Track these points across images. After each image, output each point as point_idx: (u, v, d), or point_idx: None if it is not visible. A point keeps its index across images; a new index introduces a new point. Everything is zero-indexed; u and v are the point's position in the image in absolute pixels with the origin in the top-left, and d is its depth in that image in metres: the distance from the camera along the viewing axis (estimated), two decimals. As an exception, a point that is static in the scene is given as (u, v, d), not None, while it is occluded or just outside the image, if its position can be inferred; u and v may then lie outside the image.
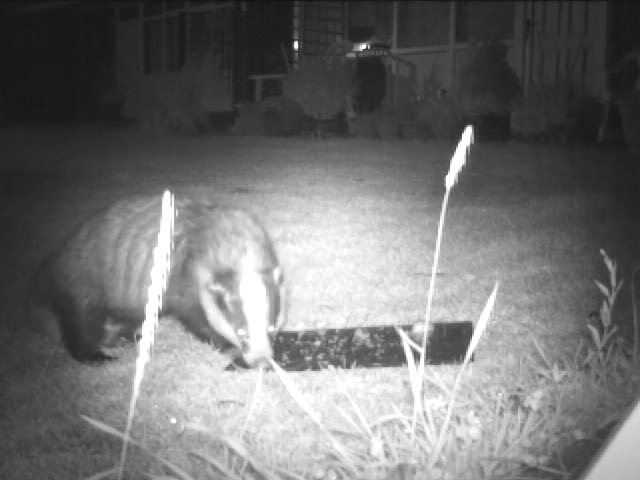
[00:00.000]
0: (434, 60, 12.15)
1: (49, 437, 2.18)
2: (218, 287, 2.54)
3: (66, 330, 2.89)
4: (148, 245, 2.70)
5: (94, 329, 2.87)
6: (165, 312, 2.76)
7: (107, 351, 2.91)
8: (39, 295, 2.99)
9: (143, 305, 2.74)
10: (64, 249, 2.89)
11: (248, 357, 2.53)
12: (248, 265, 2.57)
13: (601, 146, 9.02)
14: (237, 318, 2.52)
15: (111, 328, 2.97)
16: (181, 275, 2.67)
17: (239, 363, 2.62)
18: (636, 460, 1.27)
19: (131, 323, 2.94)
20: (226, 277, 2.54)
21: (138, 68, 18.66)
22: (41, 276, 2.99)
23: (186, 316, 2.78)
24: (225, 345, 2.76)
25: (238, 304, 2.52)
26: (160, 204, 2.77)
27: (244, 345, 2.54)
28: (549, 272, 3.66)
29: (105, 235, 2.79)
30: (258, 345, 2.52)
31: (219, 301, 2.55)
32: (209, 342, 2.82)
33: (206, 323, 2.68)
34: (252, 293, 2.52)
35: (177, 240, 2.67)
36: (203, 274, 2.60)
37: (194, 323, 2.77)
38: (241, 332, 2.53)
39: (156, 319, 1.41)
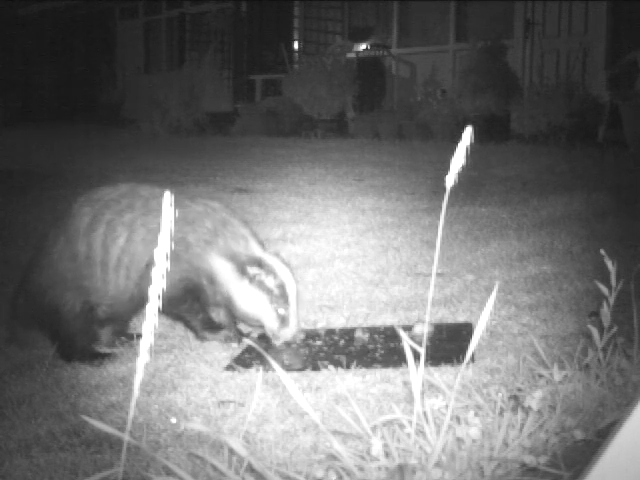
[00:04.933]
0: (434, 60, 12.15)
1: (49, 437, 2.18)
2: (260, 272, 2.77)
3: (59, 340, 2.86)
4: (127, 230, 2.72)
5: (85, 333, 2.86)
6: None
7: (106, 350, 2.91)
8: (24, 319, 2.95)
9: (121, 292, 2.77)
10: (35, 265, 2.87)
11: (288, 332, 2.79)
12: (259, 250, 2.83)
13: (601, 146, 9.02)
14: (280, 298, 2.76)
15: (102, 330, 2.97)
16: (170, 262, 2.68)
17: (262, 341, 2.84)
18: (636, 460, 1.27)
19: (115, 321, 2.93)
20: (260, 263, 2.77)
21: (138, 68, 18.66)
22: (20, 300, 2.96)
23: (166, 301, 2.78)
24: (213, 327, 2.89)
25: (282, 286, 2.76)
26: (131, 192, 2.84)
27: (283, 322, 2.77)
28: (549, 272, 3.66)
29: (74, 227, 2.76)
30: (296, 321, 2.80)
31: (260, 284, 2.76)
32: (186, 325, 2.93)
33: (197, 308, 2.85)
34: (290, 275, 2.80)
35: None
36: (222, 262, 2.77)
37: (170, 306, 2.79)
38: (282, 311, 2.77)
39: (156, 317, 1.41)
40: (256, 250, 2.82)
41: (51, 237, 2.84)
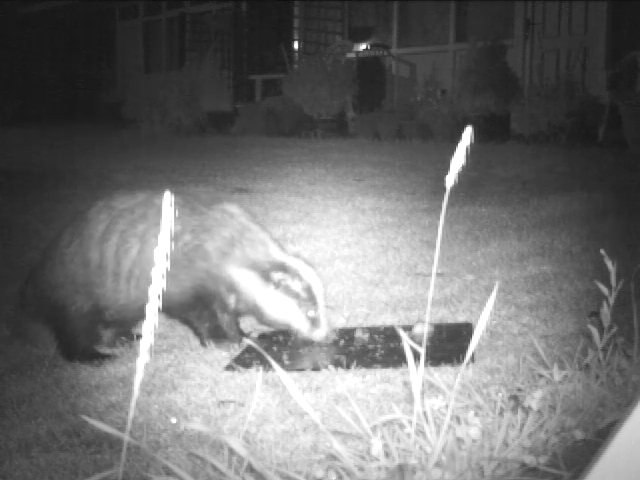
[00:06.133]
0: (434, 60, 12.15)
1: (49, 437, 2.18)
2: (285, 276, 2.75)
3: (61, 338, 2.87)
4: (139, 241, 2.72)
5: (89, 333, 2.87)
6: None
7: (107, 350, 2.91)
8: (30, 310, 2.96)
9: (132, 302, 2.76)
10: (48, 260, 2.88)
11: (320, 333, 2.78)
12: (279, 254, 2.81)
13: (601, 146, 9.02)
14: (308, 301, 2.76)
15: (104, 332, 2.97)
16: (184, 268, 2.72)
17: (302, 344, 2.82)
18: (636, 460, 1.27)
19: (121, 324, 2.94)
20: (284, 267, 2.77)
21: (138, 68, 18.66)
22: (28, 291, 2.97)
23: (169, 306, 2.75)
24: (219, 336, 2.84)
25: (309, 288, 2.76)
26: (146, 201, 2.83)
27: (314, 324, 2.77)
28: (549, 272, 3.66)
29: (89, 233, 2.78)
30: (327, 320, 2.81)
31: (286, 289, 2.75)
32: (192, 330, 2.91)
33: (199, 314, 2.84)
34: (315, 276, 2.81)
35: (177, 236, 2.71)
36: (243, 272, 2.76)
37: (178, 311, 2.84)
38: (311, 313, 2.77)
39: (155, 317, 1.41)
40: (276, 254, 2.80)
41: (66, 236, 2.84)
